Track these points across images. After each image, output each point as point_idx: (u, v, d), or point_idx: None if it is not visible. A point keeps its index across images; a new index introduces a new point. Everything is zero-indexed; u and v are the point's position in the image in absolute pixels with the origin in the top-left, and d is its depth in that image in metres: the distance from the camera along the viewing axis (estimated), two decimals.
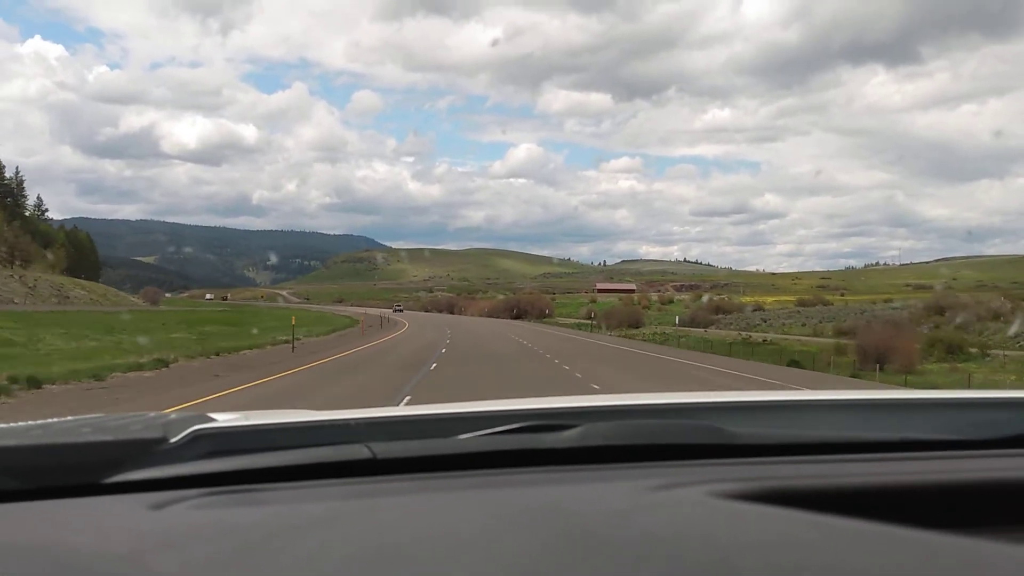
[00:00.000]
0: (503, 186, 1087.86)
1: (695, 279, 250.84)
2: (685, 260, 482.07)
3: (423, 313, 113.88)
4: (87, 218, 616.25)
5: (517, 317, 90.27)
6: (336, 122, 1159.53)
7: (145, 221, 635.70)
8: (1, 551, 0.74)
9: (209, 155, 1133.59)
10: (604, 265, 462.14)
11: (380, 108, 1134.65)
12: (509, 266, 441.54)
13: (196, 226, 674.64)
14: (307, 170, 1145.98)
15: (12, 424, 1.15)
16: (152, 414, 1.22)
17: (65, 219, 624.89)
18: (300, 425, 1.23)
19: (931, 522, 0.79)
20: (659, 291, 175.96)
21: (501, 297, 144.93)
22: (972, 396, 1.54)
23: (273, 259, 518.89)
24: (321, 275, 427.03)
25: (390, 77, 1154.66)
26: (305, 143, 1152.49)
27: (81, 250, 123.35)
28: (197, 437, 1.11)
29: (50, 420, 1.22)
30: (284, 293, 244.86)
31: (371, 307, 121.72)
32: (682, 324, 65.21)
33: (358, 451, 1.07)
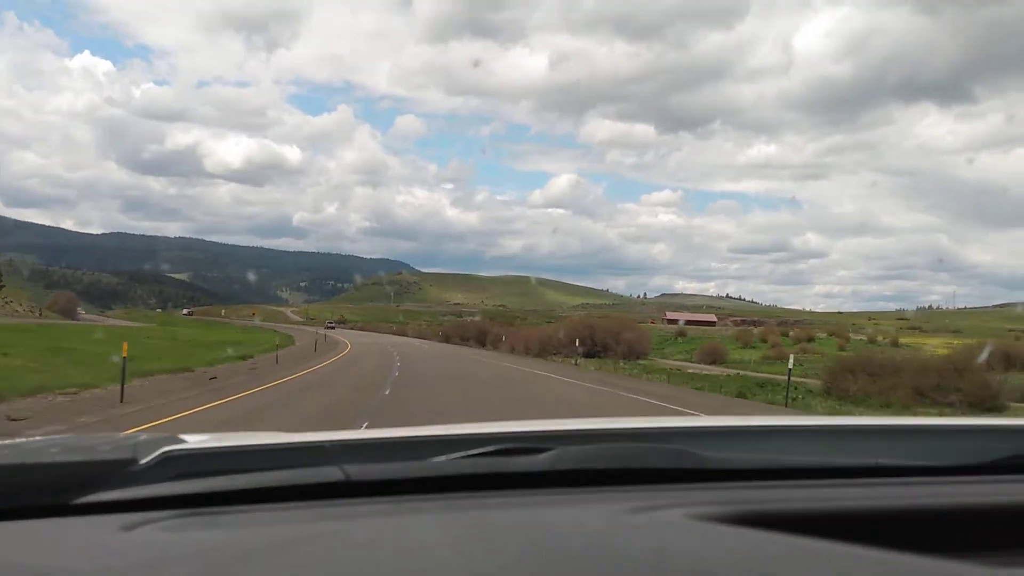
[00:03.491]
0: (541, 216, 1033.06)
1: (742, 315, 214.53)
2: (728, 296, 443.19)
3: (420, 343, 70.06)
4: (127, 233, 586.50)
5: (590, 355, 48.40)
6: (378, 146, 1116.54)
7: (183, 239, 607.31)
8: None
9: (252, 175, 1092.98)
10: (644, 298, 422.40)
11: (422, 133, 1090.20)
12: (546, 295, 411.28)
13: (235, 245, 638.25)
14: (348, 193, 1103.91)
15: None
16: (122, 435, 1.16)
17: (105, 233, 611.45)
18: (272, 447, 1.18)
19: (903, 545, 0.76)
20: (739, 325, 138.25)
21: (549, 324, 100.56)
22: (943, 424, 1.51)
23: (306, 280, 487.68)
24: (350, 296, 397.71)
25: (433, 102, 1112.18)
26: (347, 166, 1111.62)
27: None
28: (167, 458, 1.06)
29: (18, 440, 1.16)
30: (289, 311, 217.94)
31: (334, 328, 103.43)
32: None
33: (331, 473, 1.03)
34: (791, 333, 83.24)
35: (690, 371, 40.82)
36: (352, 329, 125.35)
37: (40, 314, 75.33)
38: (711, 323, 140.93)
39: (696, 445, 1.20)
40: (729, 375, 36.34)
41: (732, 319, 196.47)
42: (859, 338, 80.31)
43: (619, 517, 0.84)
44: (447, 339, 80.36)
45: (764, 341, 75.68)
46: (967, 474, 1.17)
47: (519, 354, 55.61)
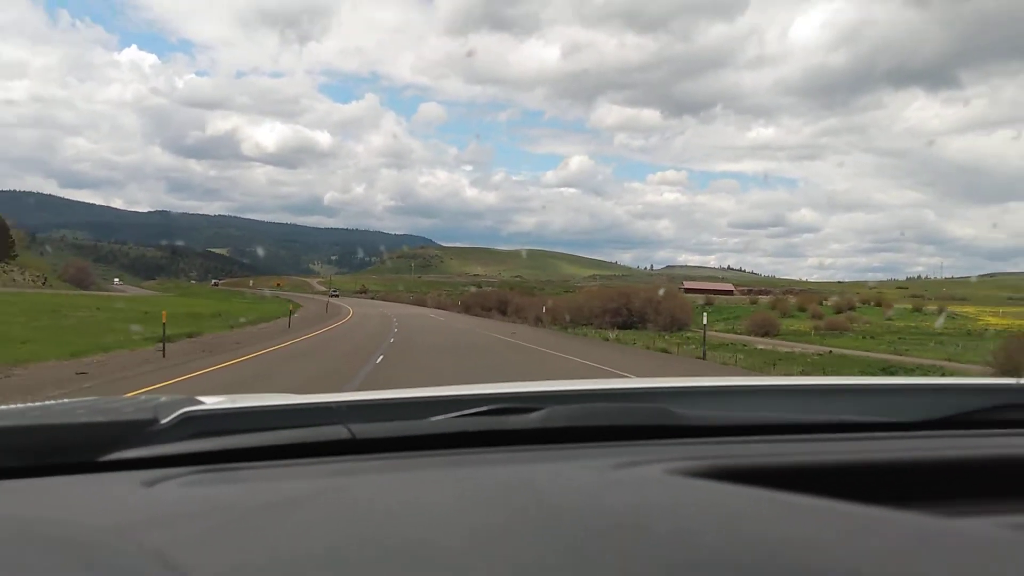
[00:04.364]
0: (554, 195, 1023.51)
1: (747, 285, 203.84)
2: (729, 267, 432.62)
3: (437, 314, 62.06)
4: (171, 211, 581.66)
5: (626, 326, 39.55)
6: (402, 131, 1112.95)
7: (223, 216, 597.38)
8: (2, 524, 0.71)
9: (286, 158, 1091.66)
10: (651, 270, 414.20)
11: (443, 119, 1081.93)
12: (559, 267, 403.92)
13: (271, 222, 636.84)
14: (374, 175, 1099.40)
15: (11, 406, 1.09)
16: (143, 397, 1.17)
17: (151, 211, 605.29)
18: (283, 408, 1.18)
19: (866, 497, 0.77)
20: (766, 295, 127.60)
21: (568, 293, 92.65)
22: (902, 383, 1.51)
23: (336, 254, 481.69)
24: (376, 269, 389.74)
25: (453, 90, 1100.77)
26: (374, 150, 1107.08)
27: None
28: (186, 419, 1.06)
29: (47, 402, 1.16)
30: (314, 282, 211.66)
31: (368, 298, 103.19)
32: None
33: (338, 432, 1.03)
34: (826, 302, 72.92)
35: (760, 347, 30.99)
36: (372, 299, 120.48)
37: (44, 283, 65.96)
38: (728, 292, 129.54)
39: (675, 404, 1.20)
40: (817, 354, 26.73)
41: (739, 288, 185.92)
42: (902, 306, 69.45)
43: (603, 473, 0.84)
44: (467, 309, 71.15)
45: (803, 310, 65.19)
46: (924, 429, 1.18)
47: (546, 326, 45.78)
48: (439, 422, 1.10)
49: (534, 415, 1.10)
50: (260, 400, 1.20)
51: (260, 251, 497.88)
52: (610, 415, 1.13)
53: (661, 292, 47.38)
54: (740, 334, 44.35)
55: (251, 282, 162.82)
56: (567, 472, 0.86)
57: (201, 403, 1.13)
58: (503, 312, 59.62)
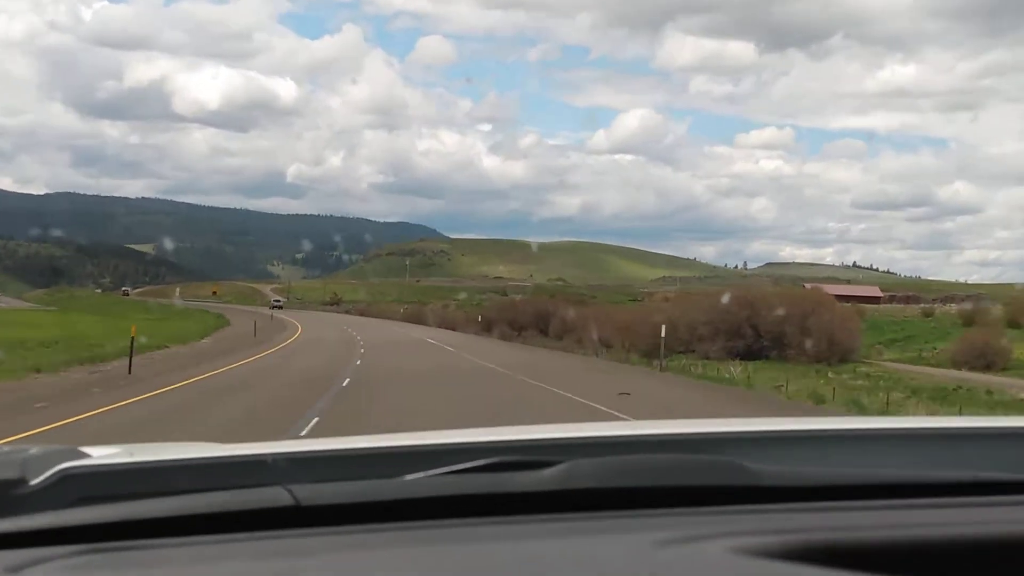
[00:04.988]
0: (606, 164, 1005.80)
1: (885, 288, 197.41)
2: (855, 264, 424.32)
3: (440, 339, 57.04)
4: (78, 193, 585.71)
5: (750, 356, 33.52)
6: (395, 77, 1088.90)
7: (148, 200, 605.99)
8: None
9: (234, 118, 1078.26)
10: (744, 269, 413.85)
11: (451, 60, 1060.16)
12: (615, 265, 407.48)
13: (214, 207, 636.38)
14: (356, 139, 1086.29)
15: None
16: (6, 447, 1.12)
17: (51, 193, 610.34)
18: (201, 462, 1.16)
19: None
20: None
21: (634, 303, 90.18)
22: None
23: (304, 250, 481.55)
24: (358, 270, 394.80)
25: (464, 18, 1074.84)
26: (355, 104, 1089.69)
27: None
28: (66, 478, 1.03)
29: None
30: (268, 289, 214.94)
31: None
32: None
33: (275, 496, 1.01)
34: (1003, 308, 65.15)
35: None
36: (348, 312, 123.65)
37: None
38: (875, 299, 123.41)
39: (746, 456, 1.18)
40: None
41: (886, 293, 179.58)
42: None
43: (646, 552, 0.83)
44: (489, 327, 65.02)
45: (1016, 325, 58.25)
46: None
47: (617, 354, 44.30)
48: (417, 482, 1.08)
49: (549, 472, 1.08)
50: (169, 451, 1.17)
51: (195, 247, 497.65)
52: (656, 471, 1.10)
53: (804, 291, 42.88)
54: (932, 365, 43.00)
55: (177, 290, 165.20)
56: (596, 552, 0.84)
57: (86, 456, 1.09)
58: (543, 331, 58.43)
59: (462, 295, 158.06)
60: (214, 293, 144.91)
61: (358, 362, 34.18)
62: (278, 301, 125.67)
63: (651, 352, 41.06)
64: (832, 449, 1.35)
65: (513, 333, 61.03)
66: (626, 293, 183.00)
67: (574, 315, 57.14)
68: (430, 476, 1.10)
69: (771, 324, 40.71)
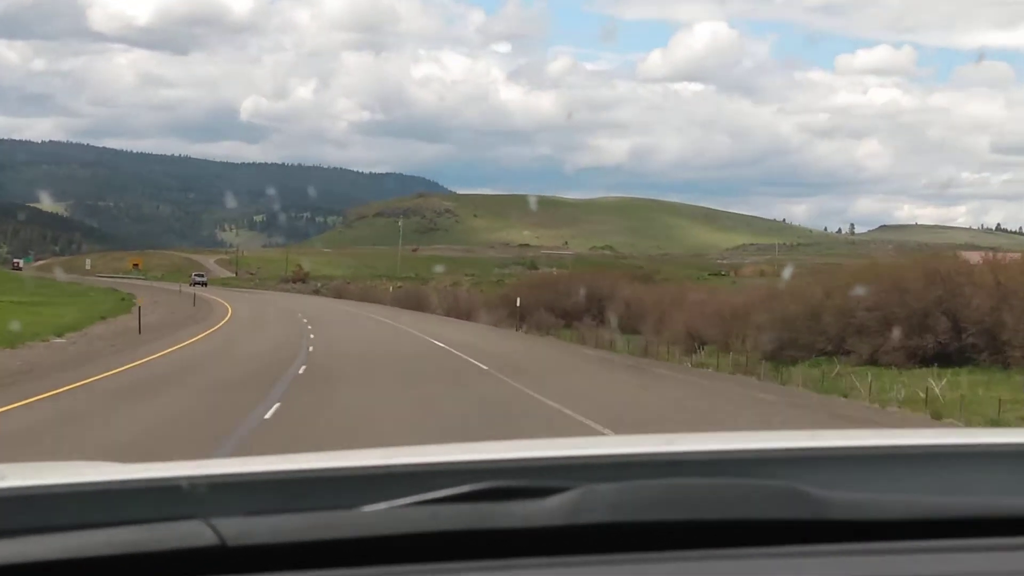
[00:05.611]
0: (663, 96, 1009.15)
1: None
2: (999, 228, 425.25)
3: (452, 334, 52.24)
4: None
5: (942, 358, 30.38)
6: None
7: (60, 145, 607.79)
8: None
9: (171, 37, 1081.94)
10: (851, 233, 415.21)
11: None
12: (678, 228, 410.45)
13: (146, 154, 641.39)
14: (332, 64, 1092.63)
15: None
16: None
17: None
18: (98, 488, 1.14)
19: None
20: None
21: (713, 278, 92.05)
22: None
23: (264, 211, 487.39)
24: (335, 237, 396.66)
25: None
26: (331, 19, 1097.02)
27: None
28: None
29: None
30: (213, 261, 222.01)
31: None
32: None
33: (195, 532, 1.01)
34: None
35: None
36: (318, 292, 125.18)
37: None
38: None
39: (808, 479, 1.18)
40: None
41: None
42: None
43: None
44: (523, 316, 63.24)
45: None
46: None
47: (718, 358, 41.10)
48: (379, 515, 1.09)
49: (553, 501, 1.09)
50: (52, 473, 1.14)
51: (121, 206, 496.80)
52: (690, 501, 1.11)
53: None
54: None
55: (87, 262, 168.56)
56: None
57: None
58: (598, 318, 56.57)
59: (466, 274, 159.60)
60: (135, 266, 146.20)
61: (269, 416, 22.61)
62: (200, 276, 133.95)
63: (774, 354, 38.94)
64: (921, 470, 1.33)
65: (559, 319, 59.32)
66: (699, 266, 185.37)
67: (651, 297, 55.06)
68: (397, 507, 1.10)
69: (979, 311, 36.67)
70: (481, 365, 35.90)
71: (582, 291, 61.30)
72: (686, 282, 75.91)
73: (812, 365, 36.58)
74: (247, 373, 31.68)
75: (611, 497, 1.08)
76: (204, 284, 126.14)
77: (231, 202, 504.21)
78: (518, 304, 64.53)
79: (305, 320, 61.05)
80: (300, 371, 31.66)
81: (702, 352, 42.73)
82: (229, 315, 65.46)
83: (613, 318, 53.51)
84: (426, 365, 36.39)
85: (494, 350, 43.74)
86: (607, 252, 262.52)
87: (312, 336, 48.18)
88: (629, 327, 51.45)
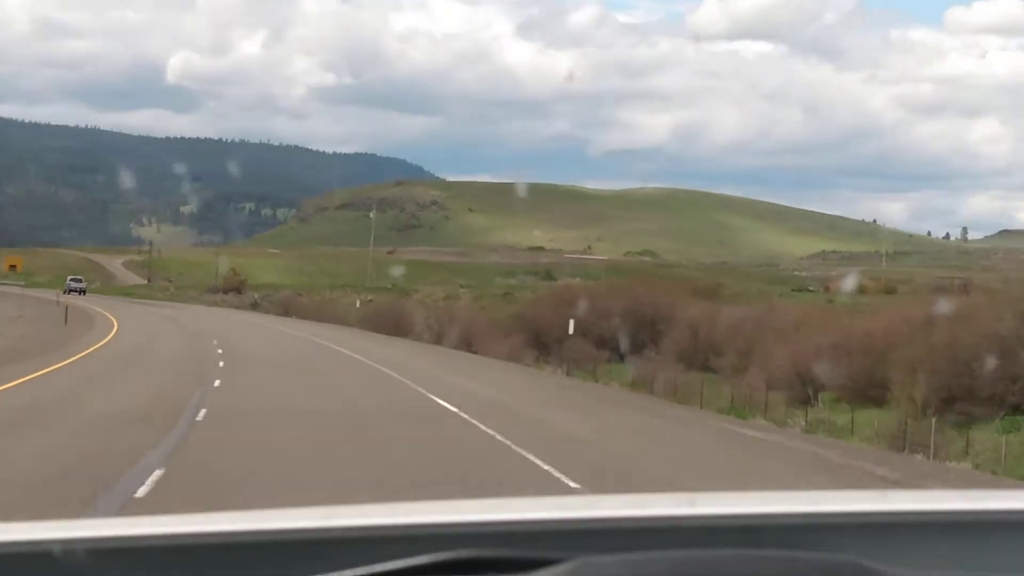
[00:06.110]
0: (717, 58, 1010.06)
1: None
2: None
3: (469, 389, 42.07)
4: None
5: None
6: None
7: None
8: None
9: None
10: (963, 239, 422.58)
11: None
12: (736, 230, 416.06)
13: (42, 125, 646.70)
14: (286, 11, 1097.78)
15: None
16: None
17: None
18: None
19: None
20: None
21: (797, 295, 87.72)
22: None
23: (195, 199, 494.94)
24: (289, 232, 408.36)
25: None
26: None
27: None
28: None
29: None
30: (119, 263, 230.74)
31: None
32: None
33: None
34: None
35: None
36: (255, 307, 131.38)
37: None
38: None
39: (867, 551, 1.18)
40: None
41: None
42: None
43: None
44: (545, 345, 63.50)
45: None
46: None
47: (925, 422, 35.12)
48: None
49: (541, 575, 1.04)
50: None
51: (9, 191, 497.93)
52: None
53: None
54: None
55: None
56: None
57: None
58: (653, 343, 56.98)
59: (461, 285, 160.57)
60: (12, 268, 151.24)
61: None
62: (78, 280, 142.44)
63: (937, 409, 35.68)
64: (1000, 541, 1.34)
65: (599, 354, 57.85)
66: (770, 278, 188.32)
67: (727, 321, 54.63)
68: None
69: None
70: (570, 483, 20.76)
71: (619, 306, 61.93)
72: (773, 299, 74.05)
73: (1006, 427, 34.04)
74: (42, 476, 19.93)
75: (613, 572, 1.09)
76: (82, 292, 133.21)
77: (151, 189, 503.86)
78: (571, 330, 60.28)
79: (220, 351, 54.57)
80: (153, 478, 19.27)
81: (817, 403, 40.47)
82: (104, 341, 62.26)
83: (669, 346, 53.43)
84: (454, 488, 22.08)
85: (565, 430, 29.96)
86: (647, 259, 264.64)
87: (217, 384, 39.30)
88: (697, 361, 51.35)
